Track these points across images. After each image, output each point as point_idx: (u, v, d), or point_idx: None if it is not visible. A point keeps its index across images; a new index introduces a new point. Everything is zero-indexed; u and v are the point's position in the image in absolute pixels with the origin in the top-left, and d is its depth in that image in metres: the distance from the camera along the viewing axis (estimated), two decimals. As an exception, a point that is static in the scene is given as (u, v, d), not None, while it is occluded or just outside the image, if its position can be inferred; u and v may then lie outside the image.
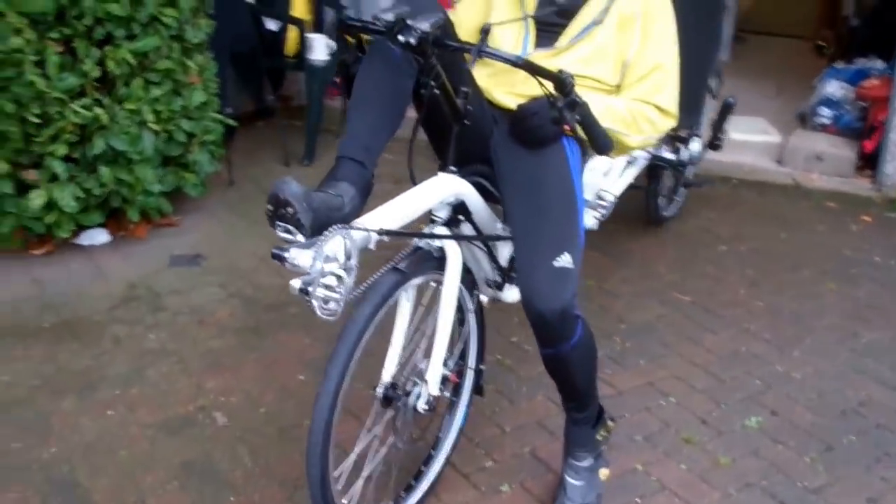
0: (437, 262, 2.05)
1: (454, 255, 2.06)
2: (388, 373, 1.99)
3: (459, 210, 2.13)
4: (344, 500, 1.98)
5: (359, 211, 1.85)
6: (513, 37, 2.28)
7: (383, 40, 1.90)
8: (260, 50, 4.69)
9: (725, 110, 3.93)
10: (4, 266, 3.45)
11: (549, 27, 2.26)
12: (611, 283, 3.51)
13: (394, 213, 1.89)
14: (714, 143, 3.92)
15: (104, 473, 2.39)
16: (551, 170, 2.10)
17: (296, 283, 1.68)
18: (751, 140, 5.09)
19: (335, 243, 1.68)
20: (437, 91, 1.95)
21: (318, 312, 1.69)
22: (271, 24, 4.71)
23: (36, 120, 3.20)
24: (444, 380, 2.09)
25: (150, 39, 3.41)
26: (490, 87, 2.28)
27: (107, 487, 2.33)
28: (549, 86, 1.92)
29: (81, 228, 3.61)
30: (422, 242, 2.05)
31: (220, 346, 3.01)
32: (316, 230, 1.71)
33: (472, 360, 2.37)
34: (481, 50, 1.85)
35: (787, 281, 3.58)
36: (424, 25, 1.81)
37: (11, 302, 3.24)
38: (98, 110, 3.31)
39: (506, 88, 2.26)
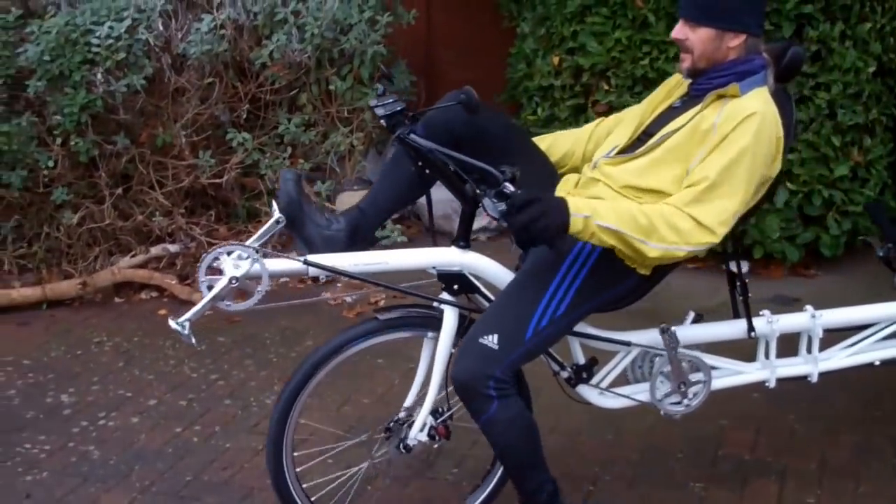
0: (437, 321, 2.29)
1: (449, 318, 2.28)
2: (402, 409, 2.34)
3: (459, 281, 2.27)
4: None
5: (341, 242, 2.23)
6: (609, 144, 2.41)
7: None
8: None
9: None
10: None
11: (644, 137, 2.35)
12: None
13: (363, 259, 2.18)
14: None
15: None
16: (538, 266, 2.19)
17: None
18: None
19: (228, 260, 2.04)
20: (427, 171, 2.21)
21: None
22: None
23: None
24: (433, 430, 2.28)
25: None
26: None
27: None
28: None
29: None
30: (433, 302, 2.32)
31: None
32: (290, 220, 2.21)
33: None
34: (401, 135, 2.13)
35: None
36: (381, 112, 2.16)
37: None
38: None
39: (566, 187, 2.37)
